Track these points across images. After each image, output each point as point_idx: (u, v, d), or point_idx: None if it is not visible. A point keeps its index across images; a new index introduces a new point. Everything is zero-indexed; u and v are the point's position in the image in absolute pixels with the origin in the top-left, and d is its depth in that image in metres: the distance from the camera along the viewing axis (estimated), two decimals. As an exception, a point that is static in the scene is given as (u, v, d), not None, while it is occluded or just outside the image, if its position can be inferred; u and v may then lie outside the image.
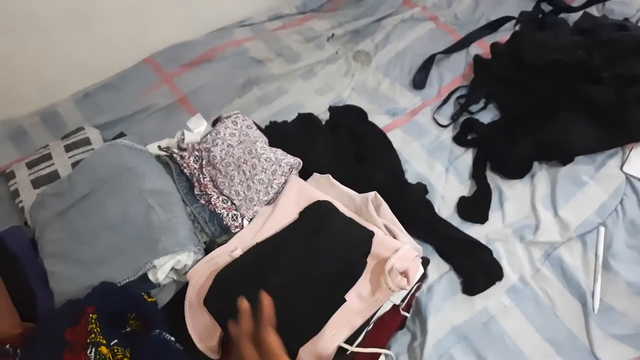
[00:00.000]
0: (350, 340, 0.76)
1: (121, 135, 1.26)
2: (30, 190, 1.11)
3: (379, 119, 1.22)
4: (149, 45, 1.48)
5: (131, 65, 1.48)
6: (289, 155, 0.96)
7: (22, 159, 1.20)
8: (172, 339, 0.70)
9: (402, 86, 1.35)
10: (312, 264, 0.78)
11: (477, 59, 1.32)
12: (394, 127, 1.23)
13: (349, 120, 1.13)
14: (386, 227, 0.86)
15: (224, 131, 1.02)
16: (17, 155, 1.26)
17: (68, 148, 1.18)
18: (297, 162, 0.95)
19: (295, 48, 1.48)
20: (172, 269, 0.84)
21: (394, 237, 0.85)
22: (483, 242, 1.01)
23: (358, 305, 0.77)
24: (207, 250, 0.90)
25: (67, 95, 1.42)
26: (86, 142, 1.20)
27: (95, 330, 0.63)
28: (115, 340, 0.65)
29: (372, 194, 0.88)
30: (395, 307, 0.85)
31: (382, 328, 0.84)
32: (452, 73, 1.36)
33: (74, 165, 1.13)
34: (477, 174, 1.11)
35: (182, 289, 0.86)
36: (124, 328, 0.72)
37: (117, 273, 0.82)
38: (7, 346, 0.66)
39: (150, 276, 0.83)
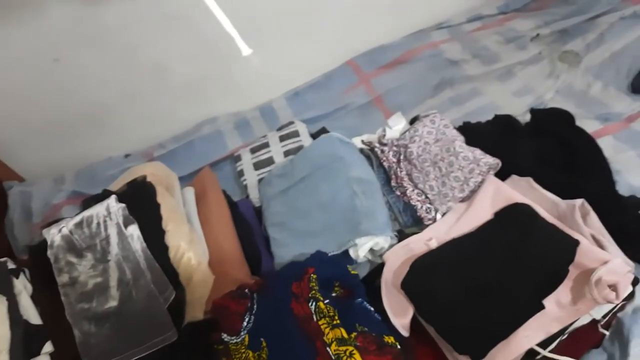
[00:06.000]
0: (542, 345, 0.75)
1: (323, 130, 1.42)
2: (252, 171, 1.34)
3: (587, 124, 1.13)
4: (352, 48, 1.62)
5: (335, 66, 1.64)
6: (487, 155, 0.97)
7: (245, 145, 1.45)
8: (372, 308, 0.79)
9: (618, 90, 1.22)
10: (512, 266, 0.79)
11: None
12: (604, 133, 1.13)
13: (554, 125, 1.08)
14: (593, 238, 0.81)
15: (421, 129, 1.08)
16: (241, 142, 1.51)
17: (282, 138, 1.39)
18: (496, 162, 0.95)
19: (493, 49, 1.46)
20: (370, 249, 0.94)
21: (602, 248, 0.80)
22: None
23: (556, 312, 0.75)
24: (398, 238, 0.98)
25: (281, 93, 1.64)
26: (296, 134, 1.39)
27: (315, 287, 0.76)
28: (327, 301, 0.77)
29: (580, 202, 0.84)
30: (593, 323, 0.80)
31: (577, 341, 0.80)
32: (685, 76, 1.19)
33: (286, 153, 1.33)
34: None
35: (376, 268, 0.96)
36: (331, 293, 0.84)
37: (324, 246, 0.95)
38: (247, 290, 0.84)
39: (351, 253, 0.95)
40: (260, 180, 1.28)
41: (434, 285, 0.80)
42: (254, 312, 0.79)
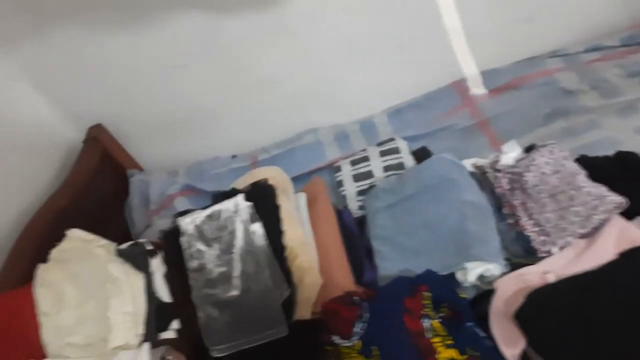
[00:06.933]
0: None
1: (424, 149, 1.43)
2: (352, 182, 1.38)
3: None
4: (460, 69, 1.62)
5: (438, 87, 1.64)
6: (614, 193, 0.93)
7: (344, 157, 1.49)
8: (484, 334, 0.79)
9: None
10: (638, 311, 0.75)
11: None
12: None
13: (688, 167, 1.01)
14: None
15: (539, 159, 1.06)
16: (339, 154, 1.56)
17: (382, 154, 1.42)
18: (623, 201, 0.91)
19: (613, 82, 1.40)
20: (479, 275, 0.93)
21: None
22: None
23: (689, 368, 0.71)
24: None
25: (382, 109, 1.68)
26: (396, 150, 1.41)
27: (428, 305, 0.77)
28: (440, 320, 0.78)
29: None
30: None
31: None
32: None
33: (386, 168, 1.36)
34: None
35: (482, 295, 0.94)
36: (438, 313, 0.85)
37: (429, 265, 0.96)
38: (356, 297, 0.87)
39: (459, 276, 0.94)
40: (359, 192, 1.31)
41: (551, 318, 0.78)
42: (365, 319, 0.81)
